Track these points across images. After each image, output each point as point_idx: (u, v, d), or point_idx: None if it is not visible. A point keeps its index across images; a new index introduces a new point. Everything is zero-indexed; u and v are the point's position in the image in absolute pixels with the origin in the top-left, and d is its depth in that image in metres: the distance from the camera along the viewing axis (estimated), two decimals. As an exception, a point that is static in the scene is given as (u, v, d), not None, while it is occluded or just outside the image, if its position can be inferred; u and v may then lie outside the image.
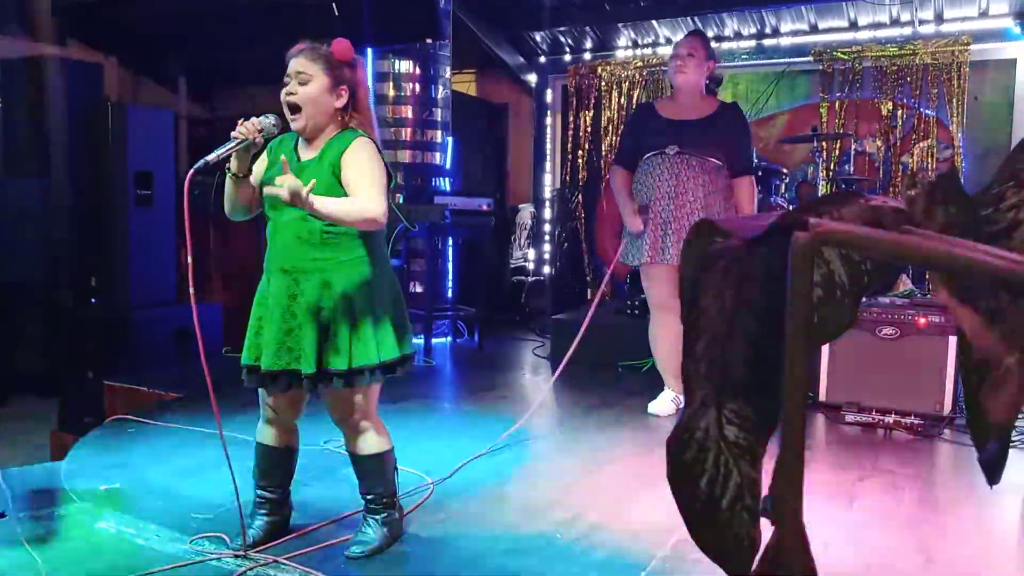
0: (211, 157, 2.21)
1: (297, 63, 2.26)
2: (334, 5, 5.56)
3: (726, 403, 0.68)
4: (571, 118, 7.03)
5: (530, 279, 7.10)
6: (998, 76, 5.67)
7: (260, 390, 2.41)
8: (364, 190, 2.20)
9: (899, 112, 5.81)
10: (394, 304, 2.36)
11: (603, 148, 6.89)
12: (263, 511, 2.47)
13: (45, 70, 6.03)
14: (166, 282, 5.56)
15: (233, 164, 2.30)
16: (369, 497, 2.43)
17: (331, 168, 2.23)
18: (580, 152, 7.01)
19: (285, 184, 2.04)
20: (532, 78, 7.32)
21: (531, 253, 7.35)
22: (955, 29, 5.68)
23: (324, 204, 2.12)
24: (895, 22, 5.89)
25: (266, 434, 2.48)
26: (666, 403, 3.94)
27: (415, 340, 2.54)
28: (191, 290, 2.26)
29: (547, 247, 7.25)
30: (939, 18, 5.74)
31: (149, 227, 5.39)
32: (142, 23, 7.39)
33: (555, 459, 3.37)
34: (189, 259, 2.24)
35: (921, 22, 5.79)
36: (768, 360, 0.65)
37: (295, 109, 2.26)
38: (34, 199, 6.04)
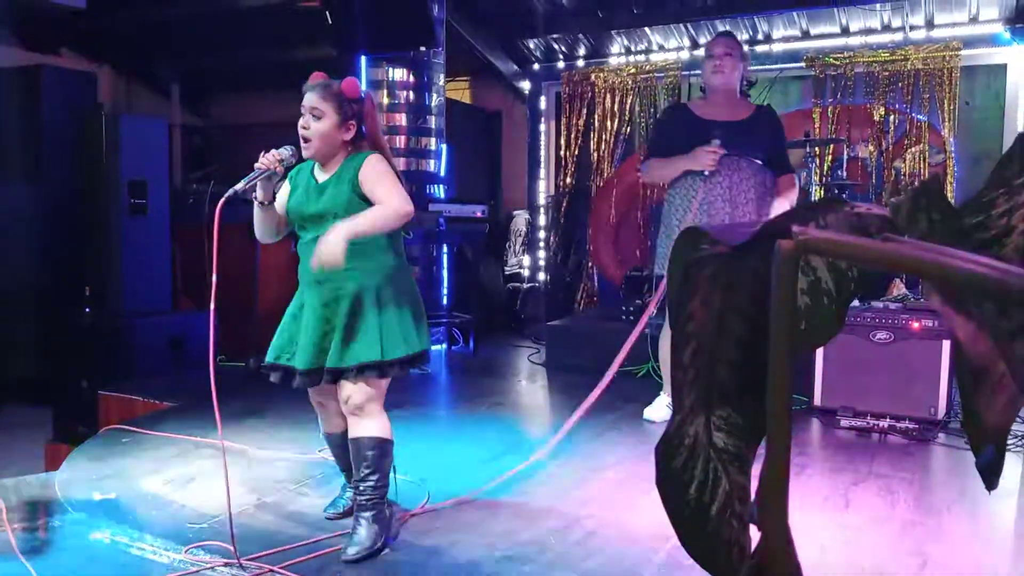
0: (239, 187, 2.47)
1: (311, 98, 2.50)
2: (327, 14, 5.57)
3: (715, 409, 0.69)
4: (565, 125, 7.04)
5: (525, 286, 7.11)
6: (989, 81, 5.70)
7: (308, 390, 2.61)
8: (385, 193, 2.44)
9: (891, 117, 5.84)
10: (414, 302, 2.58)
11: (596, 154, 6.90)
12: (349, 484, 2.71)
13: (39, 78, 6.03)
14: (160, 291, 5.55)
15: (259, 193, 2.55)
16: (361, 488, 2.50)
17: (351, 186, 2.46)
18: (573, 158, 7.02)
19: (323, 250, 2.31)
20: (526, 85, 7.34)
21: (526, 260, 7.36)
22: (946, 35, 5.71)
23: (357, 224, 2.36)
24: (886, 28, 5.92)
25: (326, 424, 2.71)
26: (661, 408, 3.94)
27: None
28: (212, 305, 2.49)
29: (542, 254, 7.26)
30: (930, 24, 5.77)
31: (143, 235, 5.39)
32: (135, 31, 7.39)
33: (550, 465, 3.37)
34: (214, 278, 2.49)
35: (912, 28, 5.82)
36: (756, 366, 0.65)
37: (306, 140, 2.50)
38: (28, 207, 6.04)
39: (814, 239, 0.51)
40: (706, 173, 3.53)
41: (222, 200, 2.41)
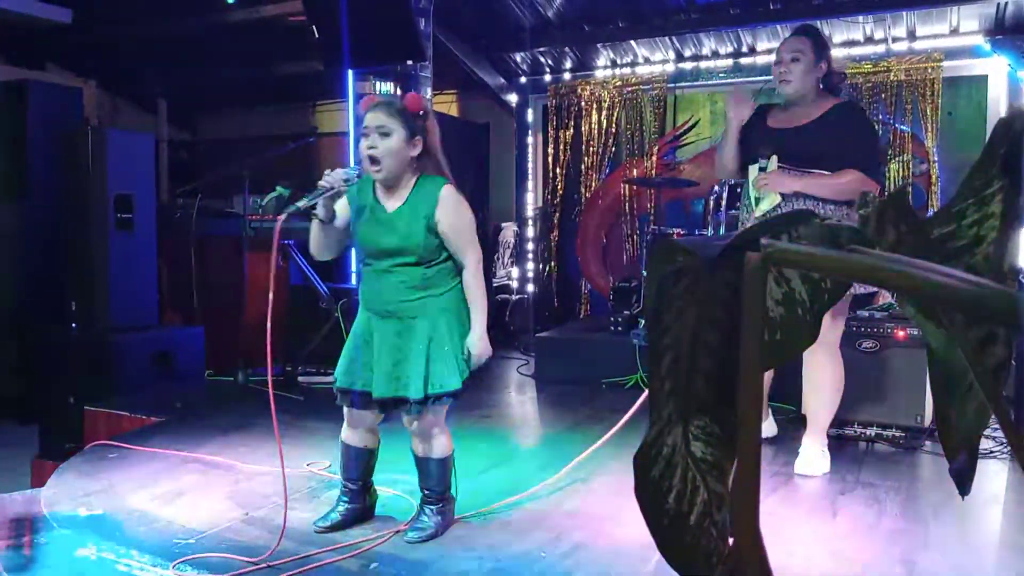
0: (301, 203, 2.52)
1: (376, 117, 2.50)
2: (314, 29, 5.59)
3: (692, 419, 0.70)
4: (552, 137, 7.08)
5: (514, 297, 7.12)
6: (971, 92, 5.76)
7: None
8: (466, 246, 2.58)
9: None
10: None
11: (583, 166, 6.94)
12: (345, 499, 2.75)
13: (24, 94, 6.02)
14: (147, 306, 5.53)
15: (319, 210, 2.56)
16: (427, 492, 2.70)
17: (426, 222, 2.51)
18: (560, 170, 7.05)
19: (480, 354, 2.59)
20: (513, 98, 7.37)
21: (514, 271, 7.37)
22: (927, 46, 5.77)
23: (481, 318, 2.58)
24: (869, 40, 5.98)
25: (351, 436, 2.74)
26: (816, 458, 3.37)
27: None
28: (268, 322, 2.48)
29: (530, 265, 7.28)
30: (911, 35, 5.83)
31: (129, 251, 5.37)
32: (121, 47, 7.39)
33: (539, 477, 3.36)
34: (270, 296, 2.51)
35: (894, 39, 5.88)
36: (732, 377, 0.66)
37: (375, 161, 2.50)
38: (13, 222, 6.01)
39: (781, 251, 0.52)
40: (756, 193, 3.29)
41: (282, 216, 2.51)
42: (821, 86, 3.32)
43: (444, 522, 2.70)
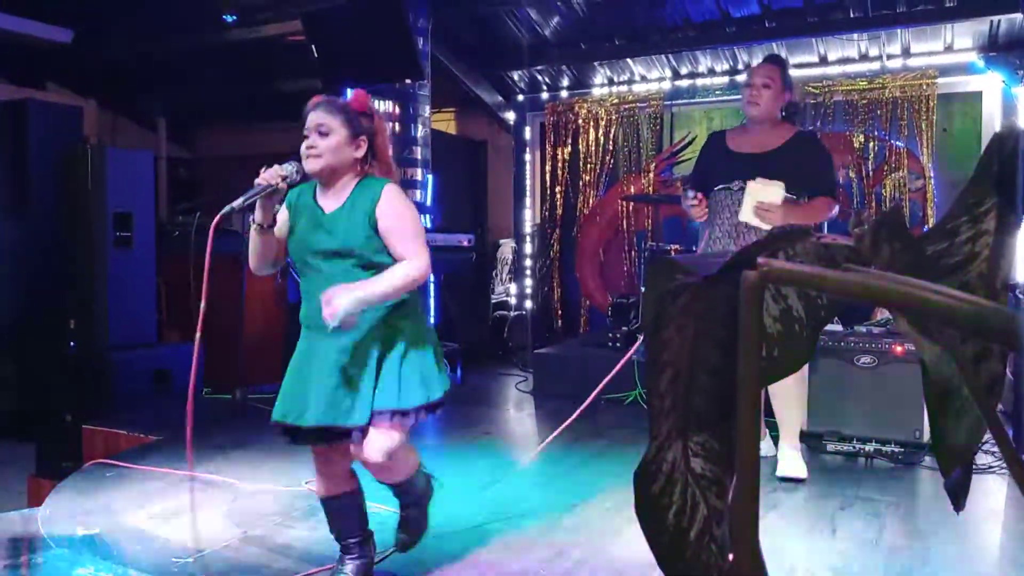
0: (236, 203, 2.23)
1: (316, 116, 2.27)
2: (312, 47, 5.62)
3: (692, 435, 0.70)
4: (549, 154, 7.11)
5: (512, 314, 7.12)
6: (965, 108, 5.81)
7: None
8: (408, 247, 2.25)
9: (871, 144, 5.92)
10: (434, 343, 2.39)
11: (581, 183, 6.97)
12: (351, 556, 2.42)
13: (24, 112, 6.05)
14: (145, 323, 5.52)
15: (257, 214, 2.29)
16: (404, 500, 2.55)
17: (366, 219, 2.25)
18: (558, 187, 7.08)
19: (334, 303, 2.07)
20: (511, 116, 7.41)
21: (513, 288, 7.38)
22: (922, 63, 5.82)
23: (375, 291, 2.17)
24: (864, 57, 6.03)
25: (325, 486, 2.40)
26: (796, 459, 3.50)
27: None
28: (197, 335, 2.33)
29: (528, 281, 7.29)
30: (906, 52, 5.88)
31: (128, 268, 5.37)
32: (121, 66, 7.43)
33: (538, 494, 3.36)
34: (203, 304, 2.31)
35: (889, 57, 5.93)
36: (731, 392, 0.67)
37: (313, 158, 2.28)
38: (12, 240, 6.02)
39: (777, 269, 0.53)
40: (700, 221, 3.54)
41: (217, 218, 2.24)
42: (782, 113, 3.55)
43: (422, 526, 2.57)
